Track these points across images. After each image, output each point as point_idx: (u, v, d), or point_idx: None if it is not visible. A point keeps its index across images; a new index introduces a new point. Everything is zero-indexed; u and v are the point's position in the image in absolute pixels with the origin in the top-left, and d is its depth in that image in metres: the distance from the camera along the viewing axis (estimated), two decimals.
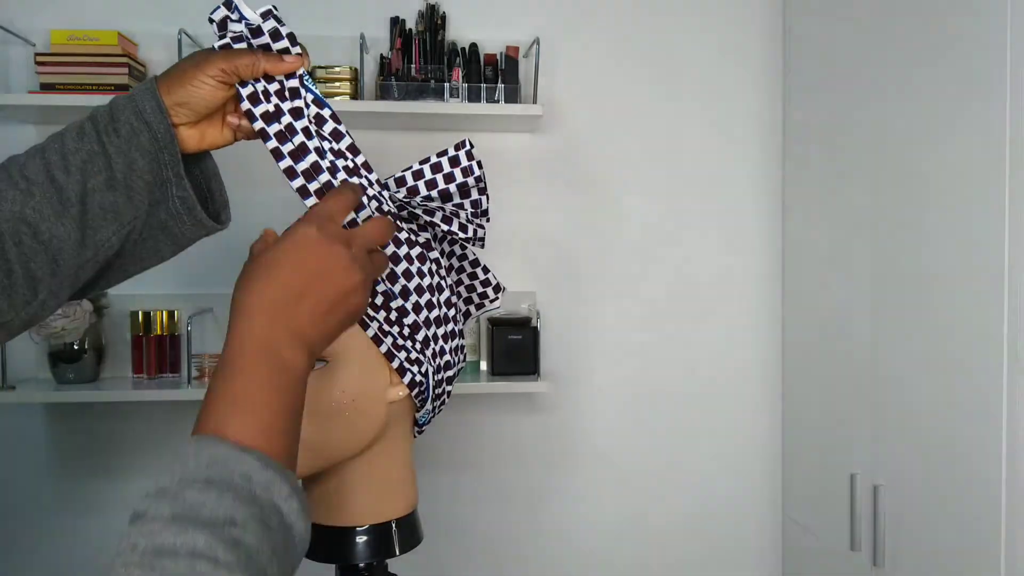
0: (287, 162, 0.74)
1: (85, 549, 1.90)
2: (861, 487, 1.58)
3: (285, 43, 0.76)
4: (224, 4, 0.76)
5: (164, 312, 1.85)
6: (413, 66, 1.83)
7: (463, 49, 1.86)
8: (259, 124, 0.74)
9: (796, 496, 1.96)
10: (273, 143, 0.74)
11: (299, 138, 0.75)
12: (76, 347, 1.78)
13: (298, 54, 0.76)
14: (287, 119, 0.75)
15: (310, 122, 0.77)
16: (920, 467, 1.43)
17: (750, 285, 2.04)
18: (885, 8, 1.52)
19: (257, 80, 0.75)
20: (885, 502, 1.51)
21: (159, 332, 1.85)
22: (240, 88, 0.75)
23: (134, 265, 0.81)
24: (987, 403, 1.26)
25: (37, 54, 1.74)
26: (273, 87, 0.75)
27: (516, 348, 1.82)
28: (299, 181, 0.74)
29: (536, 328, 1.84)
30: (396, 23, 1.87)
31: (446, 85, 1.81)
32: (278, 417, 0.60)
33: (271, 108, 0.75)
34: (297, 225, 0.65)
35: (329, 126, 0.78)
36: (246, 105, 0.74)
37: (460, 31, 1.93)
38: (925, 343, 1.41)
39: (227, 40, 0.76)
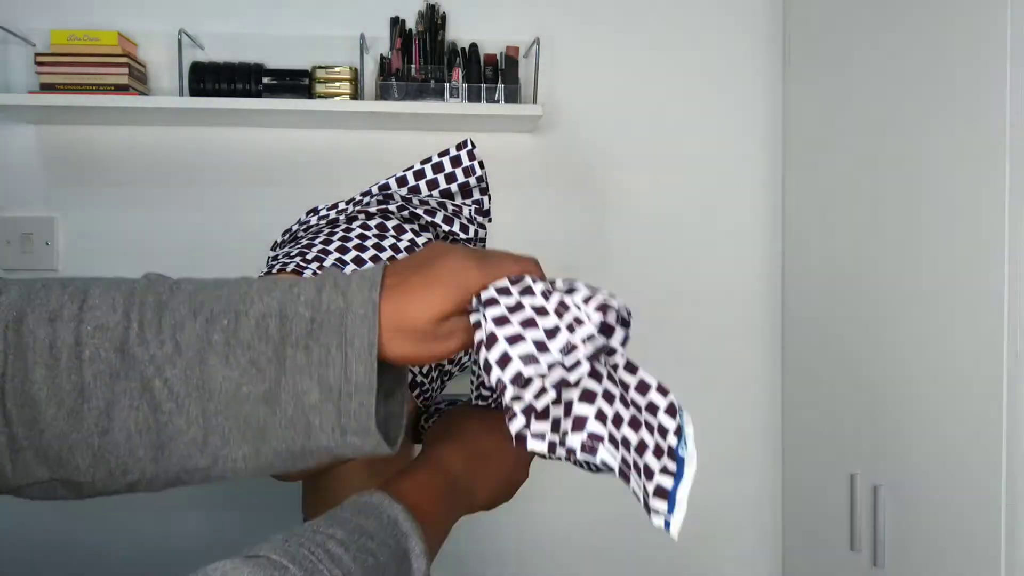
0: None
1: (85, 549, 1.90)
2: (861, 487, 1.58)
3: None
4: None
5: None
6: (413, 66, 1.83)
7: (463, 49, 1.86)
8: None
9: (796, 496, 1.96)
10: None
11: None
12: None
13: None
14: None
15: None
16: (920, 467, 1.43)
17: (750, 285, 2.04)
18: (885, 6, 1.52)
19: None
20: (885, 502, 1.51)
21: None
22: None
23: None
24: (987, 403, 1.26)
25: (37, 54, 1.74)
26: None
27: None
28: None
29: None
30: (396, 23, 1.87)
31: (446, 85, 1.81)
32: (434, 519, 0.67)
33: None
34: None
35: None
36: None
37: (460, 31, 1.93)
38: (925, 343, 1.41)
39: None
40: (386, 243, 0.80)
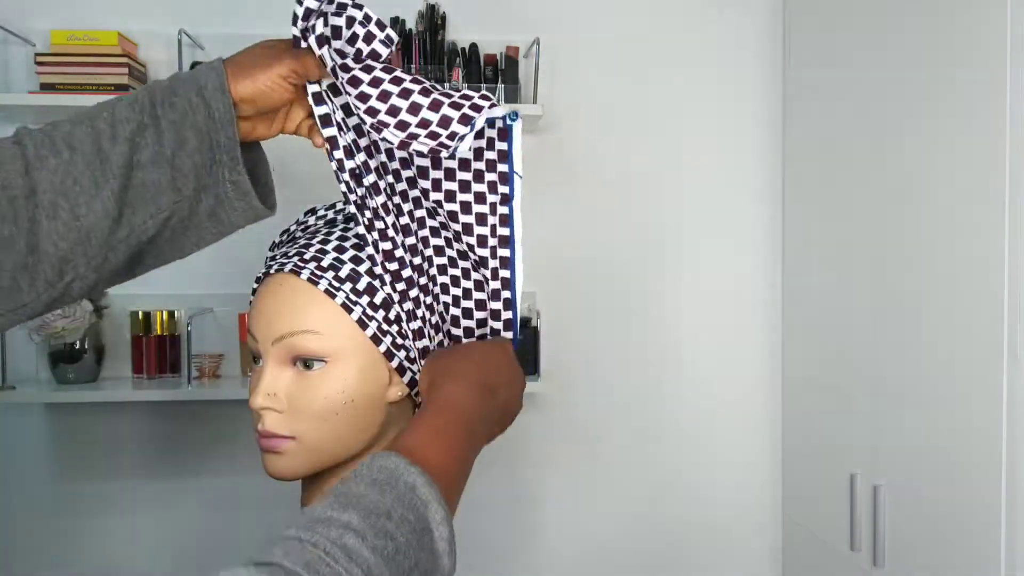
0: (346, 177, 0.76)
1: (85, 549, 1.90)
2: (861, 487, 1.58)
3: (372, 29, 0.72)
4: None
5: (164, 312, 1.84)
6: (413, 66, 1.83)
7: (463, 49, 1.86)
8: (329, 132, 0.75)
9: (796, 496, 1.95)
10: (339, 155, 0.75)
11: (361, 157, 0.76)
12: (76, 347, 1.78)
13: (387, 39, 0.72)
14: (351, 135, 0.75)
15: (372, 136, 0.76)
16: (920, 467, 1.43)
17: (750, 285, 2.04)
18: (885, 10, 1.52)
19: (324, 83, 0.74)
20: (885, 502, 1.51)
21: (159, 332, 1.85)
22: (313, 104, 0.74)
23: (173, 253, 0.77)
24: (987, 403, 1.26)
25: (37, 54, 1.74)
26: (340, 100, 0.74)
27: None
28: (353, 195, 0.76)
29: (536, 328, 1.83)
30: (396, 23, 1.87)
31: (446, 85, 1.81)
32: (455, 465, 0.66)
33: (339, 119, 0.75)
34: (501, 341, 0.79)
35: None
36: (320, 111, 0.74)
37: (460, 31, 1.93)
38: (925, 343, 1.41)
39: (300, 32, 0.73)
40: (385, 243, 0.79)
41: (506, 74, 1.84)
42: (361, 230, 0.77)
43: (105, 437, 1.90)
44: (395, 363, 0.78)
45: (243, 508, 1.90)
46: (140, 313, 1.83)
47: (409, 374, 0.79)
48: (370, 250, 0.77)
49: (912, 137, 1.45)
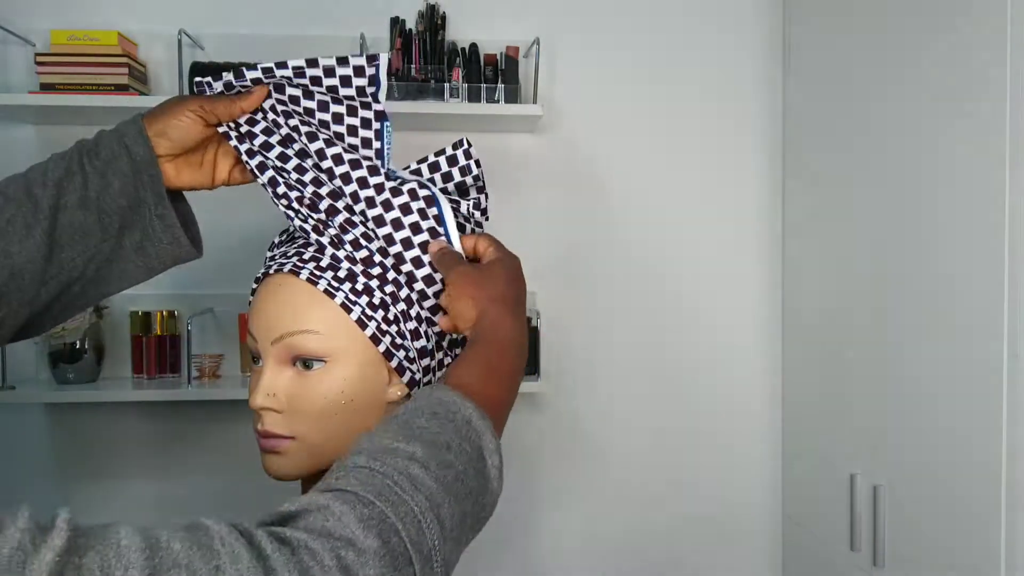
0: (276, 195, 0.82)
1: None
2: (861, 487, 1.58)
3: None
4: (206, 83, 0.84)
5: (164, 312, 1.84)
6: (413, 66, 1.83)
7: (463, 49, 1.86)
8: (249, 163, 0.82)
9: (796, 496, 1.95)
10: (282, 190, 0.81)
11: (310, 189, 0.80)
12: (76, 347, 1.78)
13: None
14: (293, 164, 0.81)
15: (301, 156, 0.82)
16: (920, 467, 1.43)
17: (750, 285, 2.04)
18: (885, 9, 1.52)
19: (239, 124, 0.82)
20: (885, 502, 1.51)
21: (159, 332, 1.85)
22: (230, 134, 0.82)
23: (100, 288, 0.82)
24: (987, 403, 1.26)
25: (37, 54, 1.74)
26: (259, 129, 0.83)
27: None
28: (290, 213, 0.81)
29: (536, 328, 1.83)
30: (396, 23, 1.87)
31: (446, 85, 1.81)
32: (506, 396, 0.70)
33: (255, 148, 0.82)
34: (509, 253, 0.81)
35: (326, 163, 0.81)
36: (233, 143, 0.82)
37: (460, 31, 1.93)
38: (925, 343, 1.41)
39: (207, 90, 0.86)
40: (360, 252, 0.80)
41: (506, 74, 1.84)
42: (330, 250, 0.77)
43: (105, 437, 1.90)
44: (394, 363, 0.78)
45: (242, 508, 1.89)
46: (140, 313, 1.83)
47: (408, 374, 0.79)
48: (347, 263, 0.77)
49: (912, 136, 1.45)
